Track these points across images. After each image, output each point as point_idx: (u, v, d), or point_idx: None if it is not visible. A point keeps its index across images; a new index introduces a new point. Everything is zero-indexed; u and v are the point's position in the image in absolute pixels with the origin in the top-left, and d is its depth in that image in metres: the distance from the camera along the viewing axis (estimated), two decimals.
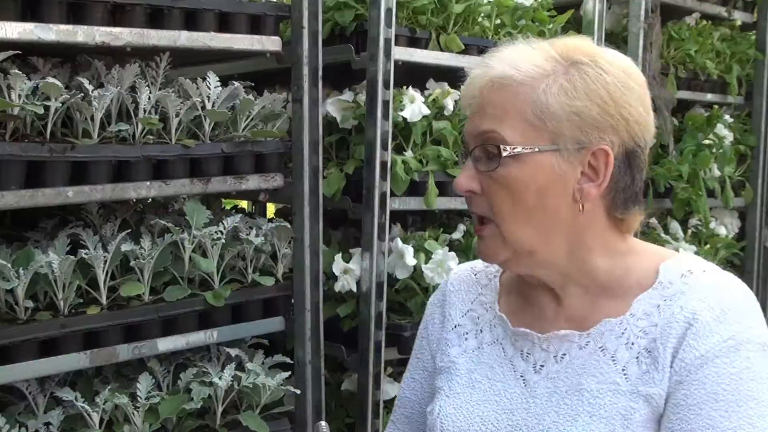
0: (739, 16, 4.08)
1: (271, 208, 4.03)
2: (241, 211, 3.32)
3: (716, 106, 3.95)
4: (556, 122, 1.10)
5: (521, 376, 1.19)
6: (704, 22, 3.88)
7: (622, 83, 1.12)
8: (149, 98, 2.20)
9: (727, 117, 3.95)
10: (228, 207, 3.33)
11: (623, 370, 1.11)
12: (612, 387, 1.11)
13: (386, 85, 2.60)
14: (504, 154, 1.10)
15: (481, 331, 1.28)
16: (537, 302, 1.23)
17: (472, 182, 1.14)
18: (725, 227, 3.97)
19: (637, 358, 1.11)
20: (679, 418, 1.06)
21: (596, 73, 1.11)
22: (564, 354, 1.16)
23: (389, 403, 2.82)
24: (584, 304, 1.18)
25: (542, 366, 1.18)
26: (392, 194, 2.68)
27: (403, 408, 1.41)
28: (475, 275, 1.36)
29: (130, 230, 2.30)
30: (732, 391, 1.05)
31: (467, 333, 1.29)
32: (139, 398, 2.14)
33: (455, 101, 2.90)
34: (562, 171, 1.11)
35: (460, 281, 1.37)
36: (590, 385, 1.12)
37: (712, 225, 3.85)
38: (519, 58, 1.13)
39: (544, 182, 1.11)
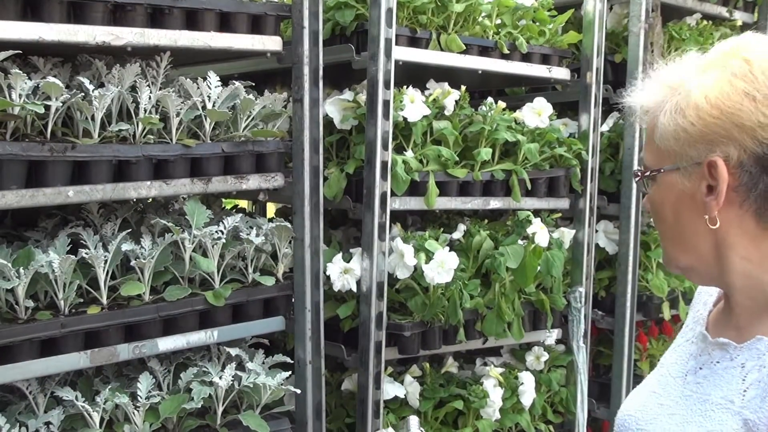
0: (740, 16, 4.08)
1: (271, 208, 4.03)
2: (242, 211, 3.32)
3: None
4: (671, 142, 1.14)
5: (685, 375, 1.23)
6: (705, 22, 3.87)
7: (734, 87, 1.08)
8: (150, 98, 2.20)
9: None
10: (228, 207, 3.33)
11: (744, 391, 1.11)
12: (728, 404, 1.12)
13: (387, 85, 2.60)
14: (636, 178, 1.21)
15: (691, 331, 1.32)
16: (725, 307, 1.24)
17: (646, 202, 1.23)
18: None
19: (759, 382, 1.10)
20: None
21: (701, 85, 1.11)
22: (718, 362, 1.18)
23: (389, 403, 2.83)
24: (749, 316, 1.16)
25: (701, 368, 1.21)
26: (392, 194, 2.68)
27: None
28: None
29: (130, 230, 2.31)
30: None
31: (687, 330, 1.33)
32: (139, 398, 2.14)
33: (455, 101, 2.90)
34: (687, 188, 1.14)
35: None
36: (714, 398, 1.14)
37: None
38: (652, 84, 1.19)
39: (675, 200, 1.16)
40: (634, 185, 3.30)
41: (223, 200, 3.34)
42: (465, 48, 2.86)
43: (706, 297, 1.33)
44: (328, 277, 2.69)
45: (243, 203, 3.91)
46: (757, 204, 1.10)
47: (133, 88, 2.20)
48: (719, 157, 1.09)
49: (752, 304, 1.15)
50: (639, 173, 1.19)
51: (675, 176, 1.14)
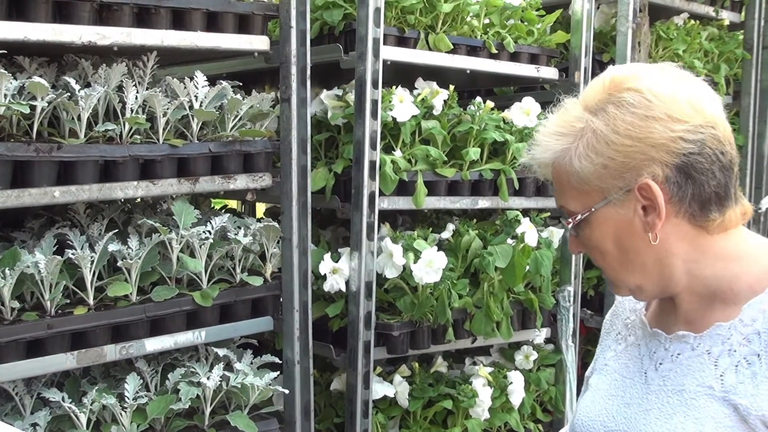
0: (727, 16, 4.10)
1: (261, 208, 4.02)
2: (231, 211, 3.31)
3: None
4: (594, 181, 1.18)
5: (645, 373, 1.26)
6: (692, 21, 3.89)
7: (636, 115, 1.15)
8: (136, 98, 2.19)
9: None
10: (218, 207, 3.32)
11: (721, 375, 1.15)
12: (707, 390, 1.15)
13: (375, 85, 2.60)
14: (569, 225, 1.23)
15: (630, 335, 1.36)
16: (666, 305, 1.29)
17: (577, 246, 1.27)
18: None
19: (736, 366, 1.15)
20: None
21: (605, 122, 1.17)
22: (679, 354, 1.22)
23: (378, 403, 2.83)
24: (699, 308, 1.22)
25: (661, 364, 1.24)
26: (381, 194, 2.68)
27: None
28: None
29: (117, 230, 2.30)
30: None
31: (621, 338, 1.38)
32: (126, 399, 2.13)
33: (444, 101, 2.90)
34: (623, 216, 1.19)
35: None
36: (690, 386, 1.18)
37: None
38: (546, 138, 1.23)
39: (614, 232, 1.20)
40: None
41: (213, 200, 3.33)
42: (453, 47, 2.86)
43: (632, 305, 1.39)
44: (316, 277, 2.69)
45: (233, 203, 3.90)
46: (691, 208, 1.17)
47: (120, 88, 2.20)
48: (648, 179, 1.15)
49: (698, 298, 1.22)
50: (570, 221, 1.22)
51: (608, 210, 1.19)
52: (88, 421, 2.10)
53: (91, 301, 2.15)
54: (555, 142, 1.21)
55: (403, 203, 2.77)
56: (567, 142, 1.20)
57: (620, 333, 1.38)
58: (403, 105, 2.73)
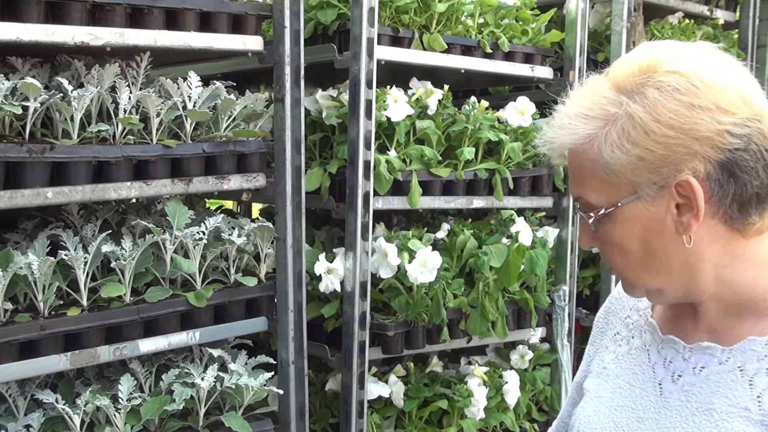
0: (722, 15, 4.11)
1: (257, 208, 4.02)
2: (227, 211, 3.31)
3: None
4: (625, 173, 1.06)
5: (659, 384, 1.17)
6: (687, 20, 3.89)
7: (681, 103, 1.04)
8: (130, 98, 2.19)
9: None
10: (213, 207, 3.32)
11: (758, 396, 1.06)
12: (743, 412, 1.06)
13: (369, 85, 2.60)
14: (590, 220, 1.11)
15: (633, 337, 1.26)
16: (682, 310, 1.19)
17: (590, 242, 1.15)
18: None
19: None
20: None
21: (645, 108, 1.05)
22: (703, 367, 1.12)
23: (373, 403, 2.83)
24: (726, 318, 1.13)
25: (680, 376, 1.14)
26: (376, 194, 2.68)
27: (562, 407, 1.46)
28: None
29: (111, 231, 2.29)
30: None
31: (622, 339, 1.28)
32: (120, 400, 2.13)
33: (438, 100, 2.90)
34: (654, 213, 1.07)
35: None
36: (721, 406, 1.08)
37: None
38: (570, 120, 1.11)
39: (641, 230, 1.09)
40: None
41: (208, 201, 3.33)
42: (448, 47, 2.86)
43: (632, 303, 1.30)
44: (311, 277, 2.69)
45: (228, 203, 3.90)
46: (731, 210, 1.07)
47: (113, 89, 2.19)
48: (688, 175, 1.04)
49: (725, 306, 1.12)
50: (592, 216, 1.10)
51: (636, 206, 1.07)
52: (82, 422, 2.09)
53: (84, 302, 2.15)
54: (581, 126, 1.09)
55: (397, 203, 2.77)
56: (595, 126, 1.08)
57: (619, 333, 1.29)
58: (397, 105, 2.73)
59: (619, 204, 1.08)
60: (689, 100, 1.03)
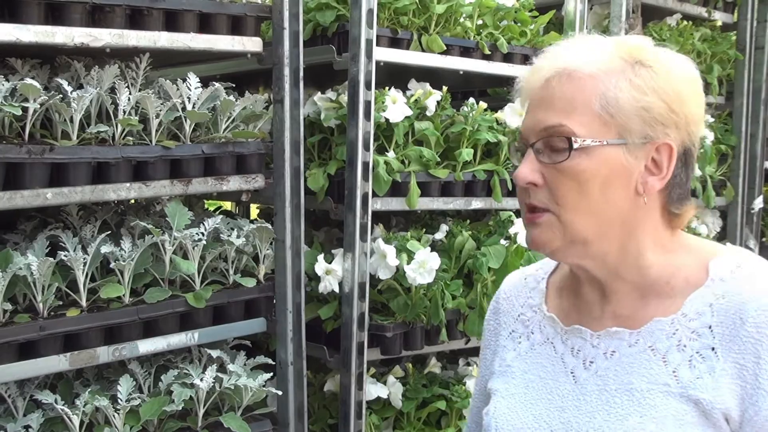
0: (720, 17, 4.11)
1: (255, 209, 4.02)
2: (226, 212, 3.31)
3: None
4: (624, 117, 1.11)
5: (571, 372, 1.21)
6: (685, 22, 3.90)
7: (687, 82, 1.15)
8: (129, 99, 2.19)
9: (708, 117, 3.97)
10: (212, 208, 3.32)
11: (674, 372, 1.11)
12: (663, 388, 1.11)
13: (368, 86, 2.60)
14: (575, 146, 1.11)
15: (532, 333, 1.30)
16: (586, 299, 1.24)
17: (533, 174, 1.15)
18: (707, 226, 4.00)
19: (689, 361, 1.11)
20: None
21: (666, 70, 1.13)
22: (613, 351, 1.17)
23: (372, 404, 2.83)
24: (633, 302, 1.19)
25: (591, 362, 1.19)
26: (374, 195, 2.68)
27: (471, 401, 1.47)
28: (525, 279, 1.38)
29: (110, 232, 2.30)
30: None
31: (520, 336, 1.32)
32: (119, 400, 2.13)
33: (437, 102, 2.91)
34: (628, 164, 1.12)
35: (510, 287, 1.40)
36: (640, 385, 1.13)
37: (694, 224, 3.88)
38: (588, 51, 1.15)
39: (609, 175, 1.12)
40: None
41: (207, 202, 3.33)
42: (446, 49, 2.86)
43: (523, 300, 1.34)
44: (309, 278, 2.69)
45: (227, 204, 3.90)
46: (668, 192, 1.16)
47: (113, 90, 2.19)
48: (671, 142, 1.13)
49: (632, 288, 1.18)
50: (577, 143, 1.11)
51: (618, 151, 1.12)
52: (81, 423, 2.10)
53: (83, 303, 2.15)
54: (605, 57, 1.13)
55: (396, 204, 2.77)
56: (616, 64, 1.13)
57: (515, 331, 1.32)
58: (396, 106, 2.73)
59: (605, 142, 1.11)
60: (693, 79, 1.15)
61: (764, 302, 1.09)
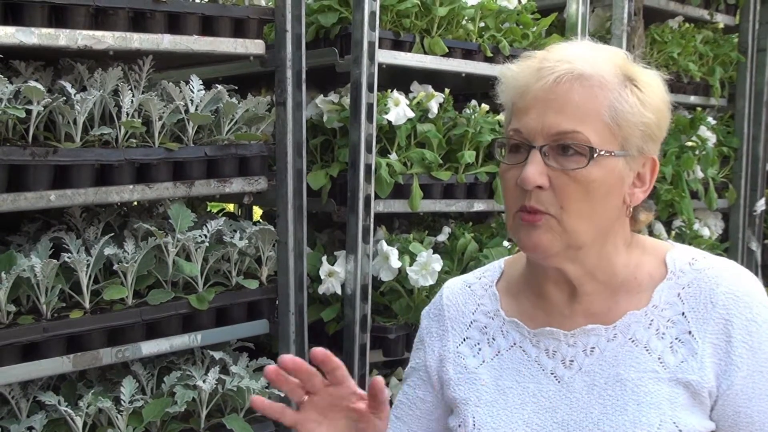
0: (722, 19, 4.12)
1: (258, 211, 4.03)
2: (229, 214, 3.31)
3: (699, 108, 3.98)
4: (629, 129, 1.15)
5: (552, 373, 1.22)
6: (687, 24, 3.90)
7: (665, 100, 1.20)
8: (132, 101, 2.20)
9: (710, 119, 3.97)
10: (215, 210, 3.33)
11: (659, 359, 1.17)
12: (652, 375, 1.16)
13: (370, 88, 2.61)
14: (595, 156, 1.13)
15: (494, 339, 1.29)
16: (552, 301, 1.25)
17: (542, 177, 1.13)
18: (709, 228, 4.00)
19: (671, 347, 1.17)
20: (747, 404, 1.15)
21: (651, 87, 1.18)
22: (593, 348, 1.20)
23: None
24: (604, 300, 1.23)
25: (572, 361, 1.21)
26: (377, 197, 2.68)
27: (396, 409, 1.40)
28: (470, 287, 1.37)
29: (113, 234, 2.30)
30: None
31: (478, 343, 1.30)
32: (122, 402, 2.14)
33: (439, 104, 2.91)
34: (624, 175, 1.17)
35: (455, 295, 1.37)
36: (629, 375, 1.17)
37: (696, 226, 3.88)
38: (595, 58, 1.16)
39: (613, 184, 1.16)
40: None
41: (210, 204, 3.34)
42: (448, 51, 2.87)
43: (473, 306, 1.33)
44: (312, 280, 2.70)
45: (230, 206, 3.91)
46: (645, 202, 1.24)
47: (116, 92, 2.20)
48: (655, 156, 1.20)
49: (603, 288, 1.22)
50: (599, 152, 1.13)
51: (619, 162, 1.15)
52: (84, 424, 2.10)
53: (87, 305, 2.16)
54: (611, 68, 1.15)
55: (398, 206, 2.78)
56: (619, 78, 1.15)
57: (471, 338, 1.30)
58: (398, 108, 2.74)
59: (614, 153, 1.14)
60: (667, 97, 1.21)
61: (729, 288, 1.17)
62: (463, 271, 2.94)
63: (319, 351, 1.14)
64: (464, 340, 1.31)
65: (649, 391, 1.15)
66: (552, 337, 1.23)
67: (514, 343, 1.26)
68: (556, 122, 1.13)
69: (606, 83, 1.13)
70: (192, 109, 2.31)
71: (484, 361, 1.28)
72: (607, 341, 1.20)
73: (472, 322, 1.32)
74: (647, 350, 1.17)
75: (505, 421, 1.22)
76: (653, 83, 1.18)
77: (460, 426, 1.26)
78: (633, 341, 1.18)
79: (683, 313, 1.18)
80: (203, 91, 2.34)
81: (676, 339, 1.17)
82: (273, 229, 2.49)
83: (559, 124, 1.13)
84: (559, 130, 1.13)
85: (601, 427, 1.15)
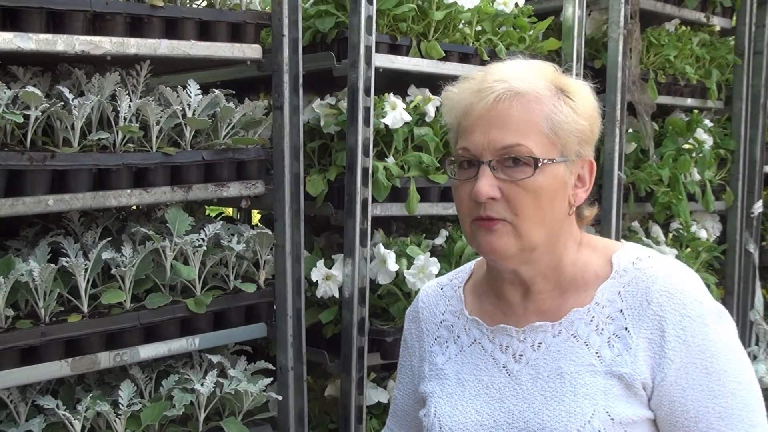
0: (718, 22, 4.13)
1: (257, 215, 4.04)
2: (227, 218, 3.32)
3: (696, 111, 3.99)
4: (566, 137, 1.26)
5: (504, 367, 1.33)
6: (683, 27, 3.91)
7: (595, 107, 1.31)
8: (130, 106, 2.21)
9: (707, 121, 3.98)
10: (213, 214, 3.34)
11: (596, 353, 1.27)
12: (589, 368, 1.26)
13: (367, 92, 2.62)
14: (539, 165, 1.23)
15: (458, 337, 1.42)
16: (509, 300, 1.36)
17: (493, 190, 1.24)
18: (706, 231, 4.01)
19: (608, 342, 1.27)
20: (681, 394, 1.23)
21: (581, 96, 1.29)
22: (540, 343, 1.31)
23: (372, 409, 2.84)
24: (553, 298, 1.33)
25: (521, 355, 1.32)
26: (374, 200, 2.69)
27: (393, 405, 1.58)
28: (442, 289, 1.51)
29: (111, 238, 2.31)
30: (712, 358, 1.23)
31: (446, 341, 1.43)
32: (121, 405, 2.14)
33: (436, 107, 2.92)
34: (566, 179, 1.28)
35: (429, 297, 1.51)
36: (569, 368, 1.27)
37: (693, 228, 3.88)
38: (527, 76, 1.27)
39: (555, 189, 1.26)
40: (615, 189, 3.34)
41: (209, 208, 3.35)
42: (445, 55, 2.88)
43: (443, 307, 1.46)
44: (309, 284, 2.70)
45: (228, 210, 3.92)
46: (587, 200, 1.35)
47: (113, 97, 2.21)
48: (591, 158, 1.31)
49: (552, 287, 1.33)
50: (543, 162, 1.24)
51: (560, 167, 1.26)
52: (83, 428, 2.10)
53: (85, 309, 2.16)
54: (542, 83, 1.26)
55: (396, 209, 2.79)
56: (550, 91, 1.26)
57: (440, 337, 1.44)
58: (395, 112, 2.74)
59: (555, 160, 1.25)
60: (596, 103, 1.32)
61: (664, 286, 1.26)
62: None
63: None
64: (436, 339, 1.45)
65: (585, 383, 1.25)
66: (506, 334, 1.34)
67: (475, 340, 1.39)
68: (500, 137, 1.24)
69: (541, 97, 1.25)
70: (189, 114, 2.32)
71: (450, 358, 1.41)
72: (553, 337, 1.30)
73: (441, 322, 1.46)
74: (587, 345, 1.27)
75: (460, 411, 1.34)
76: (583, 92, 1.30)
77: (425, 416, 1.39)
78: (575, 337, 1.29)
79: (621, 311, 1.27)
80: (200, 96, 2.35)
81: (614, 335, 1.26)
82: (270, 232, 2.50)
83: (503, 139, 1.24)
84: (504, 145, 1.24)
85: (541, 416, 1.26)
